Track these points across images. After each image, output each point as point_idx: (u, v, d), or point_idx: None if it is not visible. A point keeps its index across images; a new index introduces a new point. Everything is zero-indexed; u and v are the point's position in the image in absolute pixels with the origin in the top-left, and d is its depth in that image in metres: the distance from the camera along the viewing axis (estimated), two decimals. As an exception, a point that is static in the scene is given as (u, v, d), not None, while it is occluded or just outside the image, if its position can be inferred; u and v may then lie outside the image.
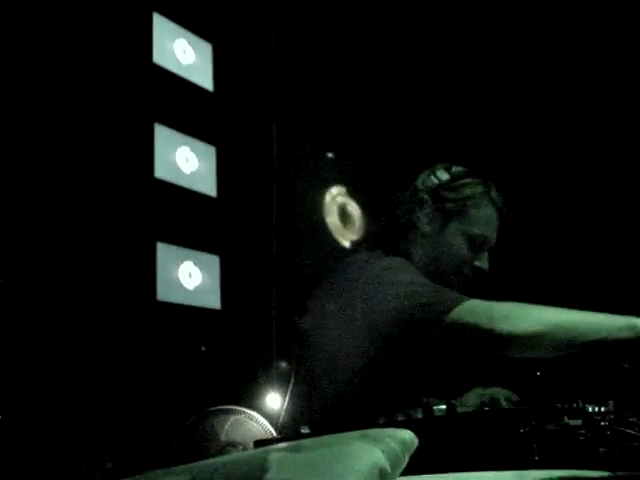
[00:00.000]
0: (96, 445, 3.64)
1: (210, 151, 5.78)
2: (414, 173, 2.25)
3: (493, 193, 2.23)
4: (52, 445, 3.54)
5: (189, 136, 5.58)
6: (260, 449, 1.33)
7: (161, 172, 5.28)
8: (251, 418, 3.33)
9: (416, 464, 0.97)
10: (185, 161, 5.48)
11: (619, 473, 1.22)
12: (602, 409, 1.41)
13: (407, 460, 0.93)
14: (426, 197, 2.19)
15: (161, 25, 5.43)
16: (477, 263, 2.19)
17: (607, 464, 1.24)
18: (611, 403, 1.42)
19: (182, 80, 5.54)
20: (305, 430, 1.45)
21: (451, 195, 2.19)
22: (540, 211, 6.56)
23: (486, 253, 2.22)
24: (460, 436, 1.28)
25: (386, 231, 2.24)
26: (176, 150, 5.42)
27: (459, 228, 2.18)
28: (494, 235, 2.23)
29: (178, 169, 5.40)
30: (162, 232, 4.98)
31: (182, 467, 1.06)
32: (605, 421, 1.36)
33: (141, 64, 5.11)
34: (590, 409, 1.39)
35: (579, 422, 1.32)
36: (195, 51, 5.69)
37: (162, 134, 5.31)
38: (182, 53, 5.57)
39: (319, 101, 6.04)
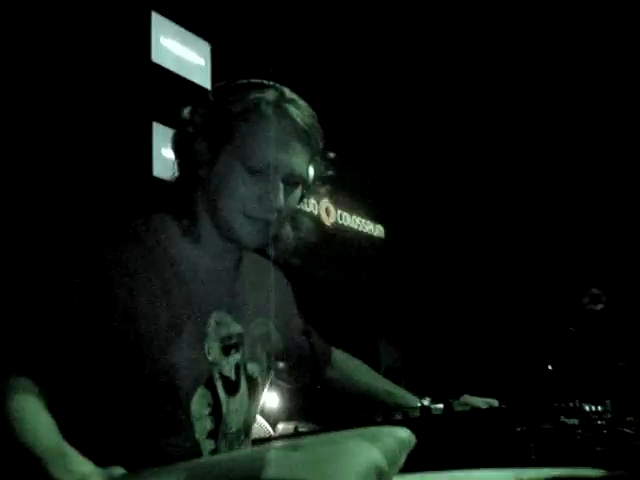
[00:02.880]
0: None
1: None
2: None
3: (286, 103, 1.59)
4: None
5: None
6: (258, 447, 1.34)
7: (158, 171, 5.28)
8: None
9: (413, 462, 0.98)
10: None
11: (616, 472, 1.23)
12: (599, 408, 1.41)
13: (404, 458, 0.94)
14: (197, 128, 1.61)
15: (160, 24, 5.43)
16: (266, 201, 1.55)
17: (604, 463, 1.25)
18: (608, 402, 1.43)
19: (181, 79, 5.54)
20: (303, 428, 1.45)
21: (221, 116, 1.59)
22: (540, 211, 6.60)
23: (277, 184, 1.57)
24: (457, 434, 1.28)
25: (174, 186, 1.65)
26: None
27: (232, 158, 1.57)
28: (291, 160, 1.58)
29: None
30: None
31: (180, 465, 1.06)
32: (602, 420, 1.36)
33: (140, 62, 5.11)
34: (587, 408, 1.39)
35: (576, 421, 1.33)
36: (193, 50, 5.70)
37: (160, 132, 5.32)
38: (180, 52, 5.57)
39: (317, 98, 6.03)
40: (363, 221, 7.82)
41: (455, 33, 6.03)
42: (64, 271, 1.46)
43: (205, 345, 1.54)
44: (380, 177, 7.97)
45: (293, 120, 1.57)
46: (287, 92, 1.63)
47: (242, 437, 1.63)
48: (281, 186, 1.56)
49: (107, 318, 1.43)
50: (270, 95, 1.59)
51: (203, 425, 1.51)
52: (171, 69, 5.45)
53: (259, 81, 1.64)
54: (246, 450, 1.62)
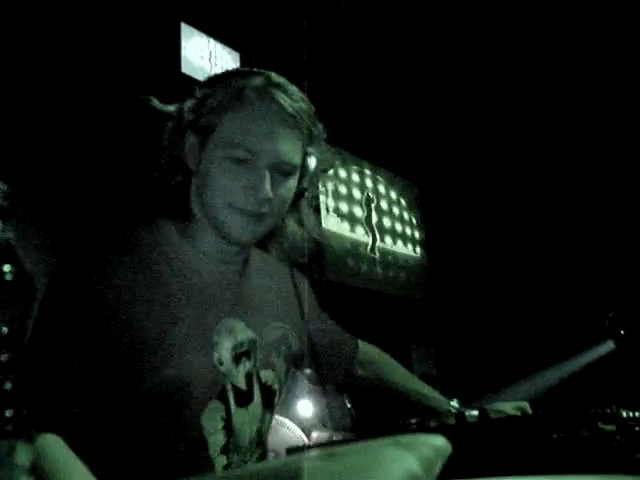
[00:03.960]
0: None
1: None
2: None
3: (273, 88, 1.52)
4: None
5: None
6: (293, 456, 1.33)
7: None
8: (283, 425, 3.31)
9: (449, 470, 0.97)
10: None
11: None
12: (637, 414, 1.40)
13: (440, 466, 0.93)
14: (186, 121, 1.55)
15: (189, 35, 5.46)
16: (253, 191, 1.48)
17: (642, 470, 1.23)
18: (646, 408, 1.41)
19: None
20: (337, 437, 1.44)
21: (206, 105, 1.52)
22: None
23: (263, 172, 1.49)
24: (493, 442, 1.27)
25: (160, 182, 1.59)
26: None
27: (217, 147, 1.50)
28: (278, 147, 1.50)
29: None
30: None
31: (216, 475, 1.07)
32: (640, 426, 1.35)
33: (169, 74, 5.14)
34: (624, 414, 1.38)
35: (613, 427, 1.31)
36: (223, 60, 5.72)
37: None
38: (210, 63, 5.60)
39: (347, 108, 6.04)
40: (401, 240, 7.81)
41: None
42: (64, 297, 1.40)
43: (215, 355, 1.49)
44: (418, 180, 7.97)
45: (279, 105, 1.50)
46: (274, 76, 1.57)
47: (254, 448, 1.58)
48: (267, 175, 1.50)
49: (112, 337, 1.38)
50: (255, 81, 1.53)
51: (216, 440, 1.48)
52: (200, 80, 5.47)
53: (246, 68, 1.59)
54: (281, 459, 1.60)
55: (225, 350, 1.51)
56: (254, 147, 1.48)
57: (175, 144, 1.56)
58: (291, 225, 1.66)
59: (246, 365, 1.55)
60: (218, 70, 5.57)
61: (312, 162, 1.63)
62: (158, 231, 1.56)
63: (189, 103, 1.57)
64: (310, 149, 1.61)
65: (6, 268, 0.67)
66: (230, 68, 1.62)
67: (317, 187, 1.72)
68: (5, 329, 0.66)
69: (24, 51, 4.00)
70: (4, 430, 0.65)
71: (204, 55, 5.56)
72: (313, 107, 1.60)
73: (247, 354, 1.56)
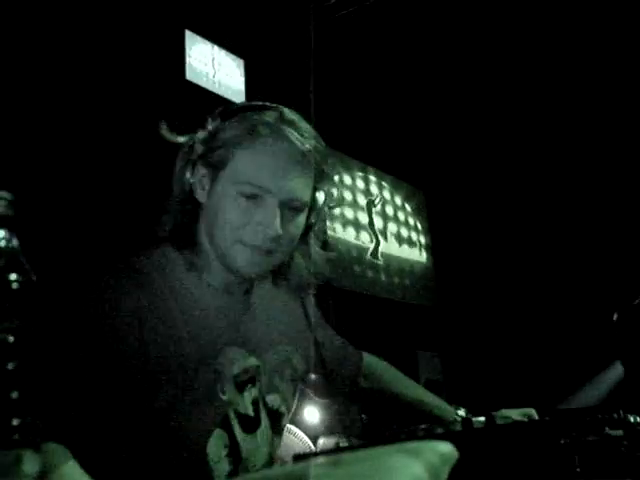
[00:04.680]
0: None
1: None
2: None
3: (284, 125, 1.53)
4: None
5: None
6: (299, 463, 1.33)
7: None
8: (289, 432, 3.31)
9: (456, 477, 0.97)
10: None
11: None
12: (644, 419, 1.39)
13: (447, 473, 0.93)
14: (197, 154, 1.57)
15: (193, 42, 5.47)
16: (258, 225, 1.50)
17: (650, 475, 1.23)
18: (653, 413, 1.41)
19: (214, 96, 5.57)
20: (344, 443, 1.44)
21: (218, 140, 1.54)
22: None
23: (273, 207, 1.50)
24: (500, 448, 1.27)
25: (170, 214, 1.60)
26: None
27: (227, 183, 1.51)
28: (289, 184, 1.51)
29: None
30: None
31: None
32: (647, 431, 1.35)
33: (174, 82, 5.15)
34: (632, 419, 1.37)
35: (620, 432, 1.31)
36: (227, 67, 5.73)
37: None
38: (214, 69, 5.61)
39: (351, 113, 6.05)
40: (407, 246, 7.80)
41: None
42: (67, 325, 1.41)
43: (218, 385, 1.51)
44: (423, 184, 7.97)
45: (291, 143, 1.52)
46: (287, 113, 1.58)
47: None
48: (278, 212, 1.51)
49: (117, 359, 1.39)
50: (268, 117, 1.54)
51: (222, 468, 1.49)
52: (205, 87, 5.48)
53: (260, 103, 1.60)
54: (287, 467, 1.60)
55: (227, 379, 1.53)
56: (265, 184, 1.50)
57: (185, 176, 1.58)
58: (298, 260, 1.67)
59: (252, 392, 1.57)
60: (223, 77, 5.61)
61: (321, 197, 1.65)
62: (164, 259, 1.57)
63: (200, 135, 1.58)
64: (320, 185, 1.62)
65: (12, 277, 0.67)
66: (243, 103, 1.63)
67: (325, 222, 1.73)
68: (11, 338, 0.66)
69: (30, 62, 4.02)
70: (11, 439, 0.65)
71: (208, 62, 5.57)
72: (324, 144, 1.61)
73: (252, 381, 1.58)
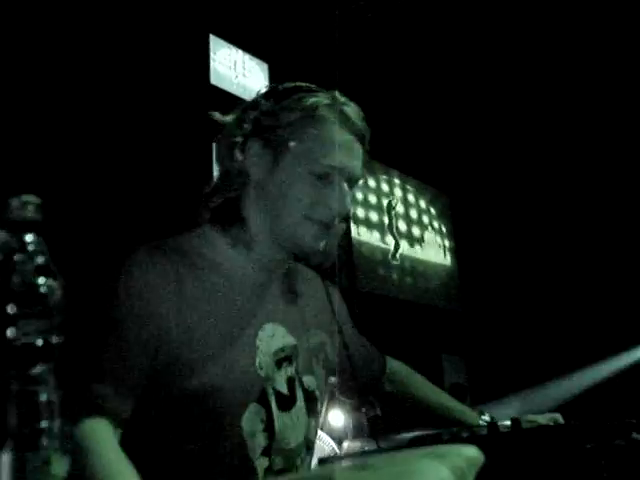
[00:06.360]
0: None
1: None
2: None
3: (341, 106, 1.59)
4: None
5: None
6: (325, 467, 1.33)
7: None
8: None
9: (482, 481, 0.97)
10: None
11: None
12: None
13: (473, 477, 0.93)
14: (247, 131, 1.60)
15: (218, 47, 5.50)
16: (333, 203, 1.55)
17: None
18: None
19: (239, 100, 5.60)
20: (370, 447, 1.44)
21: (279, 120, 1.57)
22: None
23: (344, 186, 1.57)
24: (526, 452, 1.26)
25: (215, 192, 1.63)
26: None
27: (296, 162, 1.56)
28: (353, 163, 1.59)
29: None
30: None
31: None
32: (675, 436, 1.33)
33: (199, 86, 5.17)
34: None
35: (648, 437, 1.30)
36: (251, 72, 5.75)
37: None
38: (238, 73, 5.63)
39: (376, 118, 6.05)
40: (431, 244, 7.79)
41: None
42: (110, 299, 1.44)
43: (257, 359, 1.52)
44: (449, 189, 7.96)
45: (352, 122, 1.58)
46: (338, 95, 1.62)
47: (303, 453, 1.60)
48: (347, 189, 1.57)
49: (158, 338, 1.42)
50: (325, 99, 1.59)
51: (256, 442, 1.49)
52: (229, 91, 5.50)
53: (306, 85, 1.65)
54: (313, 470, 1.61)
55: (266, 354, 1.54)
56: (335, 163, 1.55)
57: (235, 154, 1.60)
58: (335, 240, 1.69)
59: (288, 370, 1.57)
60: (247, 82, 5.63)
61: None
62: (204, 237, 1.59)
63: (251, 114, 1.61)
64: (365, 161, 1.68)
65: (41, 281, 0.68)
66: (290, 84, 1.64)
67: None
68: (40, 341, 0.66)
69: (57, 67, 4.05)
70: (39, 441, 0.66)
71: (232, 66, 5.59)
72: None
73: (288, 359, 1.59)
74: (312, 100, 1.58)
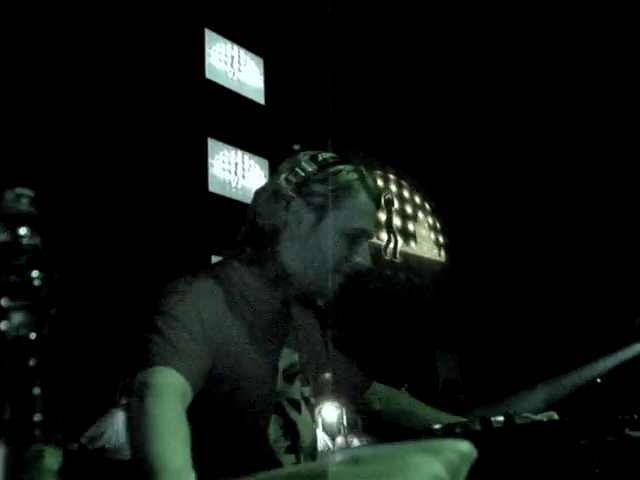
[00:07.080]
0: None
1: (263, 163, 5.85)
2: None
3: (368, 180, 1.94)
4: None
5: (241, 149, 5.65)
6: (318, 461, 1.34)
7: (213, 187, 5.35)
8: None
9: (475, 476, 0.97)
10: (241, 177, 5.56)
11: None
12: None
13: (466, 472, 0.93)
14: (292, 194, 1.88)
15: (213, 41, 5.49)
16: (358, 259, 1.90)
17: (670, 476, 1.22)
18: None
19: (234, 94, 5.59)
20: (363, 442, 1.44)
21: (321, 187, 1.88)
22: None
23: (366, 246, 1.93)
24: (519, 448, 1.26)
25: (251, 236, 1.93)
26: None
27: (334, 224, 1.88)
28: (372, 226, 1.97)
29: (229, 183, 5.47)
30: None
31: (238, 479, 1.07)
32: (667, 432, 1.34)
33: (194, 80, 5.17)
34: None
35: (640, 433, 1.31)
36: (246, 65, 5.75)
37: (215, 147, 5.38)
38: (233, 68, 5.62)
39: (371, 112, 6.04)
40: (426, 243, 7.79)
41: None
42: (181, 310, 1.66)
43: (277, 378, 1.80)
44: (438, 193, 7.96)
45: (372, 191, 1.93)
46: (360, 168, 1.97)
47: (315, 451, 1.89)
48: (367, 246, 1.92)
49: (213, 349, 1.66)
50: (356, 173, 1.93)
51: (281, 445, 1.77)
52: (224, 85, 5.50)
53: (339, 158, 1.97)
54: (305, 464, 1.65)
55: (279, 373, 1.83)
56: (364, 228, 1.90)
57: (278, 210, 1.89)
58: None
59: (296, 383, 1.86)
60: (242, 76, 5.62)
61: None
62: (237, 272, 1.88)
63: (293, 178, 1.90)
64: None
65: (34, 274, 0.68)
66: (328, 154, 1.95)
67: None
68: (33, 334, 0.66)
69: (54, 63, 4.05)
70: (32, 435, 0.66)
71: (228, 61, 5.59)
72: None
73: (297, 374, 1.89)
74: (347, 177, 1.90)
